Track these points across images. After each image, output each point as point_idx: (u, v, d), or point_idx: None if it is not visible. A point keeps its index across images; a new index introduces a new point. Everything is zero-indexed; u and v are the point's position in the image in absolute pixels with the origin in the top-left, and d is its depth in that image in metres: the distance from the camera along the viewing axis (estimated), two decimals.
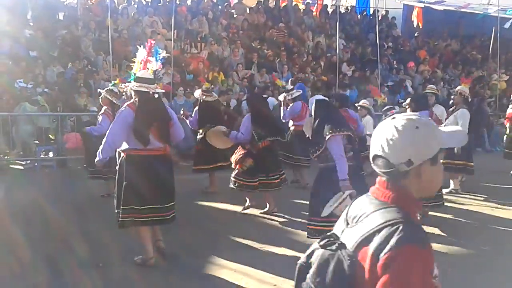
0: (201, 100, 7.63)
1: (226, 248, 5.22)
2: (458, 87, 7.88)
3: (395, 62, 16.15)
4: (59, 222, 5.82)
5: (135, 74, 4.61)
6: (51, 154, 10.21)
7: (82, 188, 7.67)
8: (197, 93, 7.87)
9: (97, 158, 4.58)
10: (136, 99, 4.53)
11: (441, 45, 18.38)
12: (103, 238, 5.18)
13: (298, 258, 1.47)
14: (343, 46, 15.76)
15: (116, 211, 4.66)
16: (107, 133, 4.56)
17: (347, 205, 1.51)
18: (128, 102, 4.62)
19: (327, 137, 4.27)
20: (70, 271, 4.40)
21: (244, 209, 6.67)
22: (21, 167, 9.90)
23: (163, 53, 4.80)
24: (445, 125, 7.58)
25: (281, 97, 8.13)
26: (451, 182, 7.89)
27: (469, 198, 7.60)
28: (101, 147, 4.55)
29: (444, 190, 7.89)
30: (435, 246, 5.24)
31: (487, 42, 16.85)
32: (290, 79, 12.24)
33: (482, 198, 7.56)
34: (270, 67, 13.74)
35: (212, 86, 8.07)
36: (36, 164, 9.96)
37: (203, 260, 4.85)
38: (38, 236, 5.39)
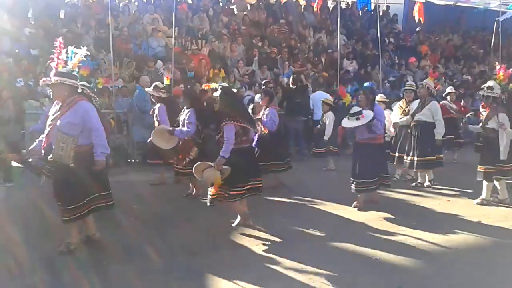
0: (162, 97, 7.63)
1: (225, 247, 5.24)
2: (425, 80, 8.33)
3: (396, 57, 16.11)
4: (58, 221, 5.82)
5: (74, 70, 4.79)
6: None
7: None
8: (149, 90, 7.82)
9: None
10: (81, 95, 4.80)
11: (442, 40, 18.35)
12: (102, 238, 5.18)
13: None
14: (344, 42, 15.73)
15: (73, 206, 4.75)
16: (99, 128, 4.74)
17: None
18: (76, 96, 4.74)
19: (223, 123, 5.22)
20: (69, 271, 4.42)
21: (188, 195, 7.27)
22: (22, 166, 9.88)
23: (80, 54, 4.87)
24: (418, 119, 7.64)
25: None
26: (420, 175, 8.17)
27: (469, 195, 7.60)
28: (102, 143, 4.74)
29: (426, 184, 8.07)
30: (434, 244, 5.27)
31: (489, 36, 16.76)
32: (292, 76, 12.34)
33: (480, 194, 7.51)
34: (271, 64, 13.74)
35: (167, 85, 8.14)
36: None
37: (202, 259, 4.85)
38: (37, 236, 5.40)
